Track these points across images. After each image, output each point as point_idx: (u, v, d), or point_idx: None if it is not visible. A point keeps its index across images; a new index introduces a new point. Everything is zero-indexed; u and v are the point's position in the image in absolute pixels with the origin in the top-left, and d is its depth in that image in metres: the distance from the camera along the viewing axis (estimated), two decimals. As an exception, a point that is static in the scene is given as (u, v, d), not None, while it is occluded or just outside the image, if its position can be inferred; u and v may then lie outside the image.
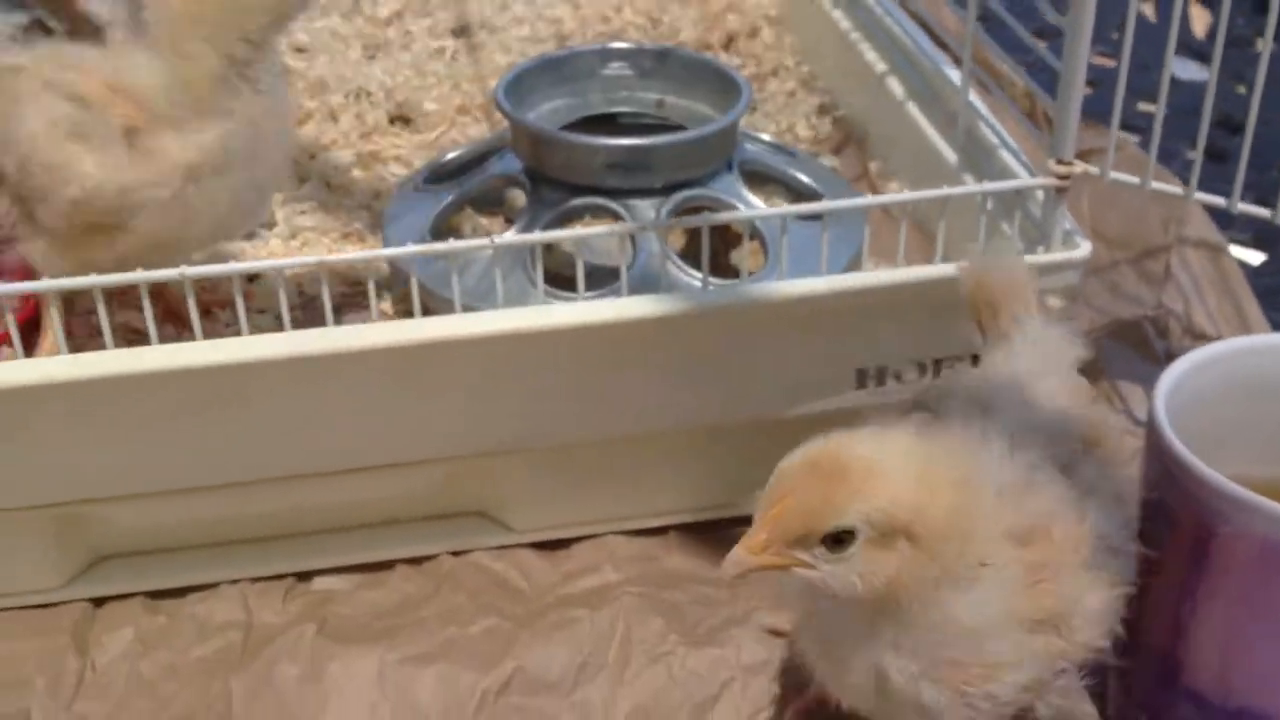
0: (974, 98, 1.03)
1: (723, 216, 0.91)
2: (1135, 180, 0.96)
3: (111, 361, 0.79)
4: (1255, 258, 1.42)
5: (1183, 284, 1.11)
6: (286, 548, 0.88)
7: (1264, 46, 0.88)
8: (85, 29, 0.94)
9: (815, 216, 0.92)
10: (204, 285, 1.02)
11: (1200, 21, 1.57)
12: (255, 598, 0.86)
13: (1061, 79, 0.89)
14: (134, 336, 0.97)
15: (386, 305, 1.01)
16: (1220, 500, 0.69)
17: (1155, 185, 0.95)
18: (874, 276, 0.87)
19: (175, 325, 0.96)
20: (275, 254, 1.07)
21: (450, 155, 1.08)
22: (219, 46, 0.87)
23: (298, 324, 0.83)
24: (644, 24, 1.42)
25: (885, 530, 0.61)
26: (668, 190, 0.97)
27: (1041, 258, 0.88)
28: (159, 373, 0.79)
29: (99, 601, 0.87)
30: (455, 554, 0.90)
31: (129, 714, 0.80)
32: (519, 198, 1.03)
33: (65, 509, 0.84)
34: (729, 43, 1.40)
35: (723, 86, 1.04)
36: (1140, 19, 0.93)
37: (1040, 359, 0.75)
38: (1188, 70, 1.48)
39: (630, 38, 1.38)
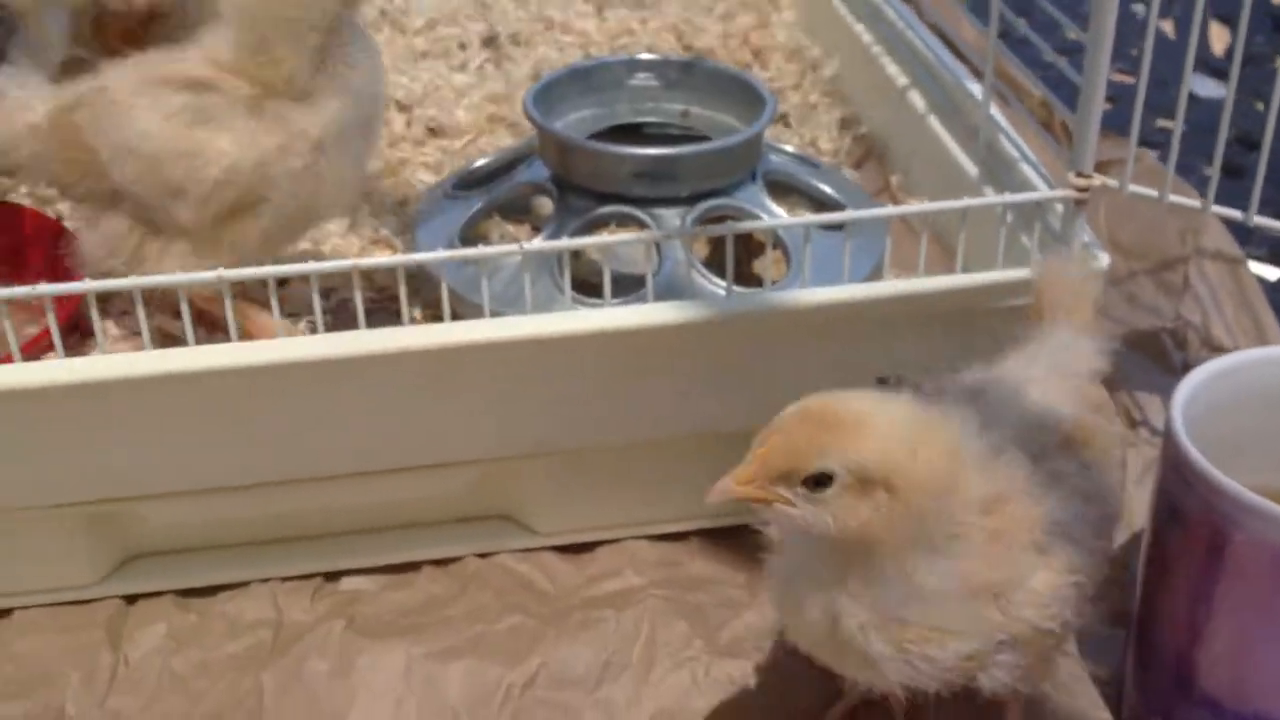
0: (995, 111, 1.04)
1: (747, 225, 0.93)
2: (1153, 193, 0.97)
3: (147, 362, 0.81)
4: (1272, 273, 1.42)
5: (1200, 296, 1.12)
6: (315, 548, 0.90)
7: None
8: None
9: (837, 226, 0.94)
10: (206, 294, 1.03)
11: (1219, 40, 1.58)
12: (284, 596, 0.88)
13: (1082, 93, 0.90)
14: (166, 340, 0.99)
15: (415, 311, 1.02)
16: (1235, 507, 0.70)
17: (1173, 198, 0.97)
18: (895, 286, 0.88)
19: (206, 328, 0.97)
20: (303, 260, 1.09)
21: (479, 163, 1.10)
22: (295, 47, 0.89)
23: (326, 329, 0.85)
24: (669, 36, 1.44)
25: (864, 479, 0.64)
26: (693, 199, 0.98)
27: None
28: (193, 373, 0.80)
29: (131, 599, 0.88)
30: (481, 556, 0.91)
31: (162, 709, 0.81)
32: (546, 205, 1.04)
33: (99, 507, 0.85)
34: (752, 55, 1.41)
35: (747, 98, 1.05)
36: (1159, 36, 0.94)
37: (1055, 365, 0.76)
38: (1206, 87, 1.49)
39: (655, 49, 1.39)
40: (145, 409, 0.81)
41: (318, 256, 1.05)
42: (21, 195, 1.15)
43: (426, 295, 1.00)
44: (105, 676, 0.83)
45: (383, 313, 0.98)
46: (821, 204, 1.04)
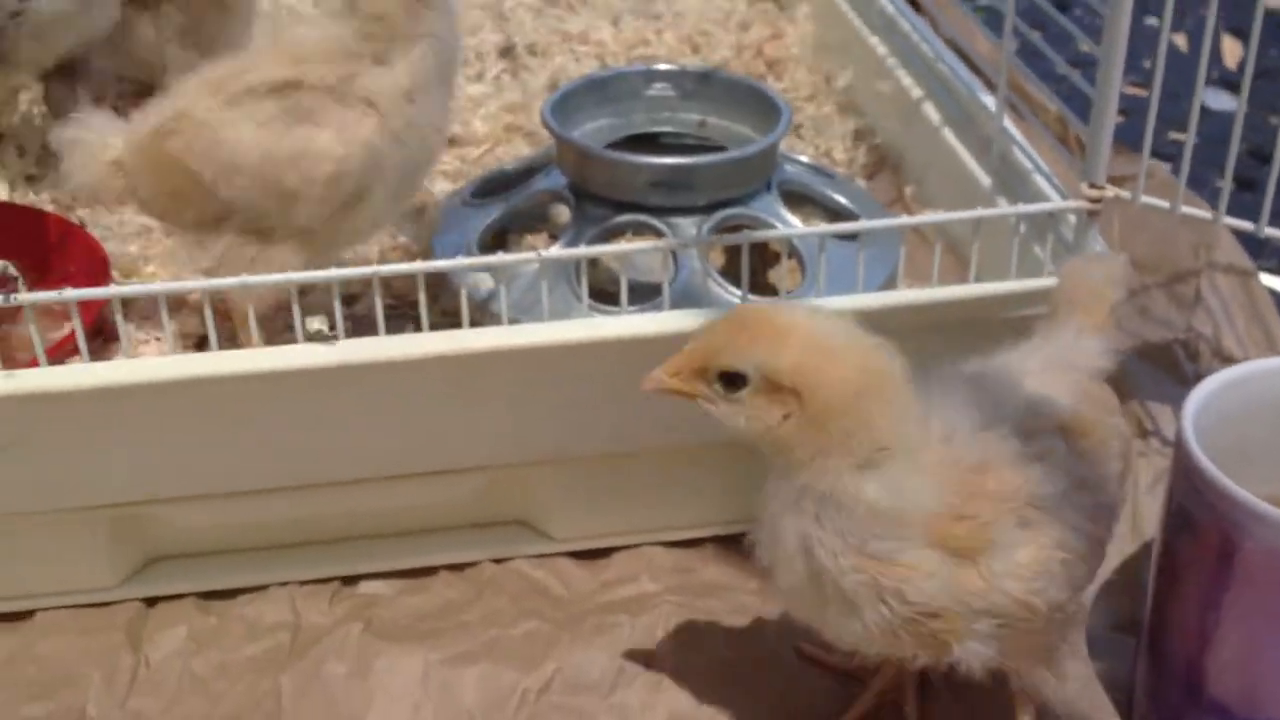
0: (1008, 123, 1.05)
1: (762, 235, 0.94)
2: (1165, 204, 0.97)
3: (170, 367, 0.82)
4: (1284, 286, 1.43)
5: (1212, 308, 1.13)
6: (333, 552, 0.91)
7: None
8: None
9: (852, 236, 0.95)
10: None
11: (1232, 53, 1.58)
12: (303, 600, 0.89)
13: (1094, 105, 0.91)
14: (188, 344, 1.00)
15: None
16: (1245, 516, 0.70)
17: (1185, 209, 0.97)
18: (909, 295, 0.89)
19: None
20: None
21: (496, 171, 1.11)
22: None
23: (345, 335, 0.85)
24: (684, 48, 1.45)
25: (774, 383, 0.67)
26: (709, 209, 0.99)
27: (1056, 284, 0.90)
28: (215, 378, 0.81)
29: (152, 601, 0.89)
30: (496, 561, 0.92)
31: (182, 710, 0.82)
32: (563, 214, 1.05)
33: (121, 510, 0.86)
34: (767, 67, 1.42)
35: (763, 108, 1.06)
36: (1171, 49, 0.95)
37: (1056, 359, 0.77)
38: (1219, 100, 1.50)
39: (671, 60, 1.40)
40: (168, 413, 0.82)
41: (338, 263, 1.06)
42: (44, 201, 1.16)
43: (445, 303, 1.01)
44: (126, 678, 0.84)
45: (401, 319, 0.99)
46: (836, 214, 1.05)
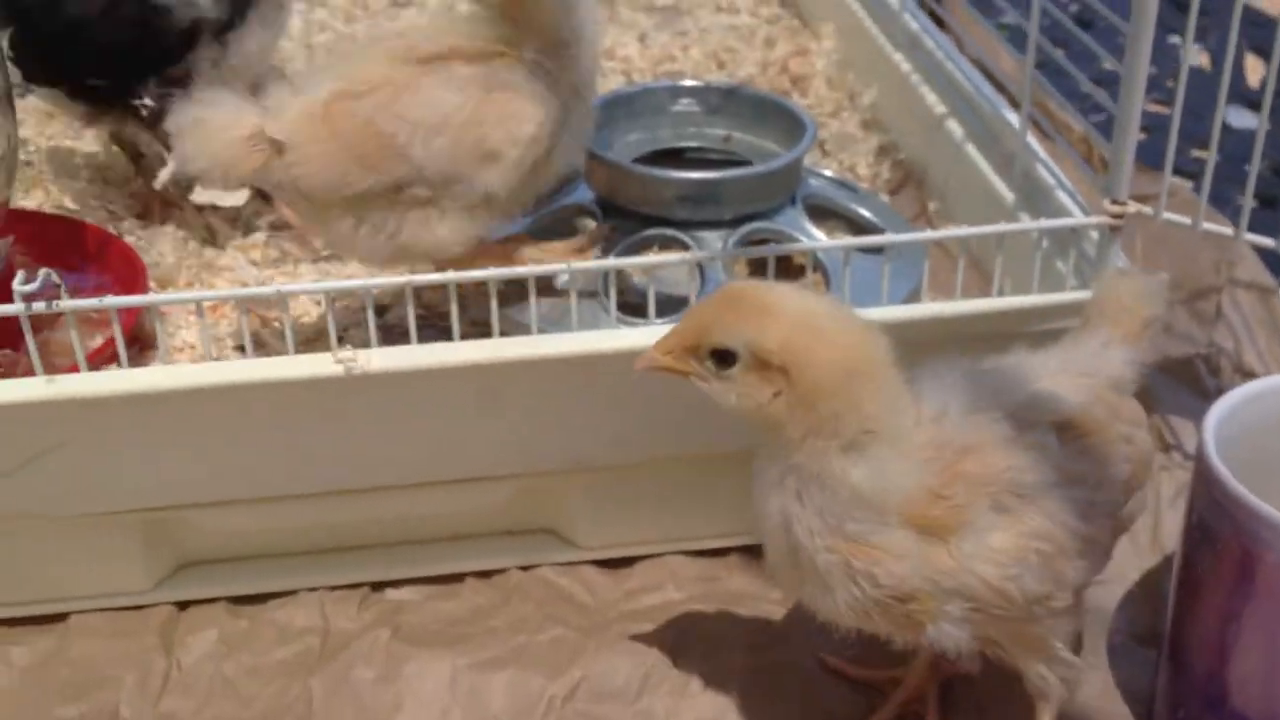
0: (1031, 140, 1.06)
1: (787, 248, 0.95)
2: (1187, 221, 0.98)
3: (204, 373, 0.83)
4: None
5: (1234, 324, 1.14)
6: (362, 558, 0.92)
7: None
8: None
9: (876, 250, 0.96)
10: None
11: (1254, 71, 1.59)
12: (332, 605, 0.90)
13: (1117, 122, 0.92)
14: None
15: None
16: (1266, 528, 0.71)
17: (1206, 226, 0.98)
18: (932, 308, 0.90)
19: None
20: (356, 276, 1.11)
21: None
22: None
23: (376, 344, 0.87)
24: (710, 64, 1.46)
25: (763, 361, 0.68)
26: (735, 222, 1.00)
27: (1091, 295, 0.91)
28: (249, 385, 0.82)
29: (184, 605, 0.90)
30: (523, 568, 0.93)
31: (213, 711, 0.84)
32: (589, 226, 1.06)
33: (155, 514, 0.87)
34: (792, 83, 1.44)
35: (788, 124, 1.07)
36: (1194, 67, 0.95)
37: (1073, 364, 0.78)
38: (1242, 118, 1.50)
39: (697, 76, 1.41)
40: (203, 419, 0.83)
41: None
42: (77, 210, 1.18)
43: (474, 313, 1.02)
44: (159, 680, 0.85)
45: (430, 329, 1.00)
46: (860, 228, 1.06)
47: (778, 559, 0.72)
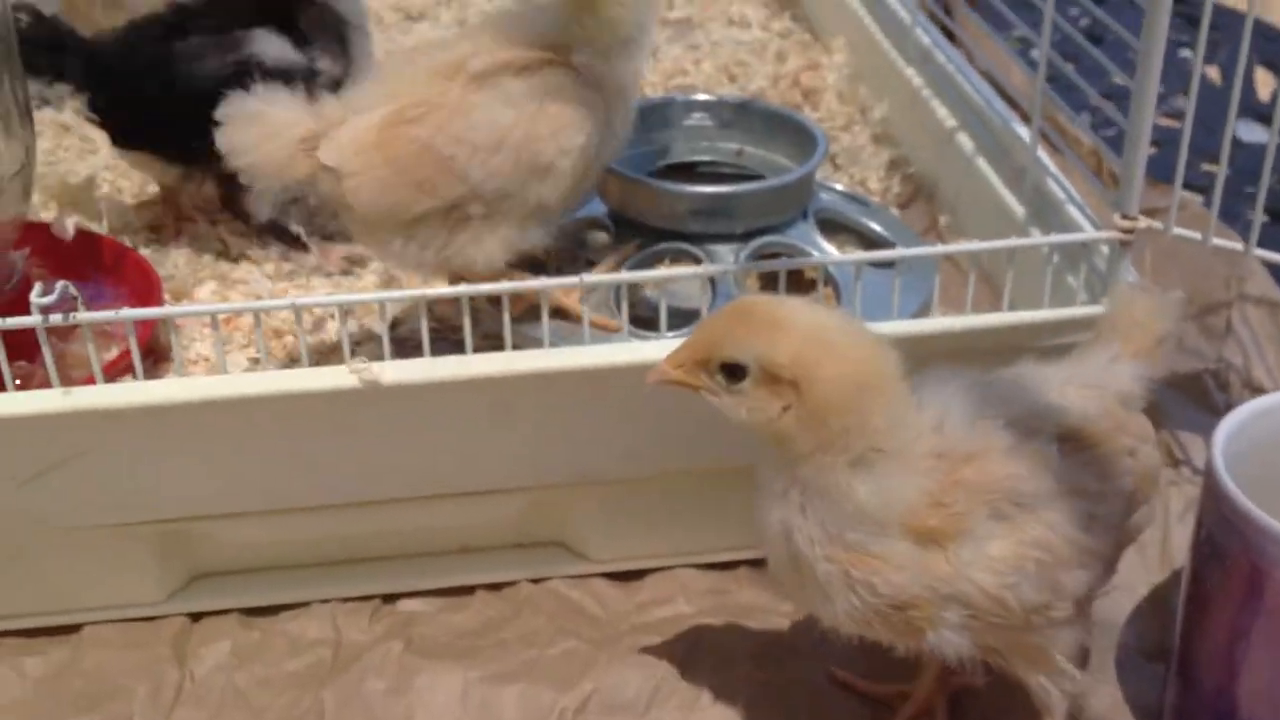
0: (1042, 154, 1.06)
1: (799, 262, 0.95)
2: (1197, 236, 0.98)
3: (219, 386, 0.83)
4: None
5: (1243, 339, 1.14)
6: (374, 570, 0.92)
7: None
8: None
9: (887, 264, 0.96)
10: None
11: (1265, 85, 1.59)
12: (344, 617, 0.90)
13: (1127, 137, 0.92)
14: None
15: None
16: (1275, 544, 0.71)
17: (1216, 241, 0.98)
18: (943, 323, 0.90)
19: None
20: (369, 290, 1.12)
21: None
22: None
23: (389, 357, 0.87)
24: (721, 78, 1.46)
25: (773, 375, 0.68)
26: (747, 236, 1.01)
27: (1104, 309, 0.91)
28: (264, 397, 0.83)
29: (196, 616, 0.91)
30: (534, 581, 0.93)
31: (225, 722, 0.84)
32: (600, 239, 1.07)
33: (169, 526, 0.88)
34: (803, 97, 1.44)
35: (799, 138, 1.08)
36: (1204, 81, 0.96)
37: (1079, 377, 0.78)
38: (1251, 132, 1.50)
39: (709, 90, 1.42)
40: (217, 431, 0.84)
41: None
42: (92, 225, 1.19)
43: (486, 327, 1.02)
44: (171, 691, 0.85)
45: (443, 343, 1.00)
46: (871, 242, 1.06)
47: (778, 566, 0.73)
